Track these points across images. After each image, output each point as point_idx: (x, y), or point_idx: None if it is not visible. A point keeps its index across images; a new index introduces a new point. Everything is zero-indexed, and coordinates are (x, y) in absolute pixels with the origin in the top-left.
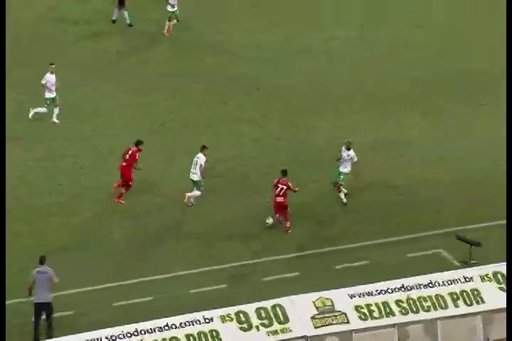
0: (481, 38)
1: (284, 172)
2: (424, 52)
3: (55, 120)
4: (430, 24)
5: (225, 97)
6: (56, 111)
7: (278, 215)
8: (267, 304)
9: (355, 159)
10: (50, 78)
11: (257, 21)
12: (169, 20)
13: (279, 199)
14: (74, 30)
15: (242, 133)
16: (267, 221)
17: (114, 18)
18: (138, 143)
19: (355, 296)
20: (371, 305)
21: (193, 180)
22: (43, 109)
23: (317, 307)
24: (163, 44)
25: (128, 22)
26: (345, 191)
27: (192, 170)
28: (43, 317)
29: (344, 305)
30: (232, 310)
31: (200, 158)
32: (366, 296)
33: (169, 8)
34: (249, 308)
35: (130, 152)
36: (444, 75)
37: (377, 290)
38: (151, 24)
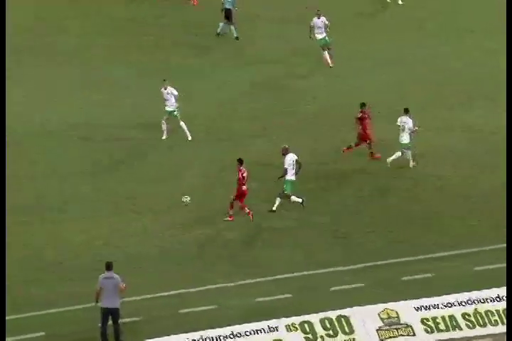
0: None
1: (241, 161)
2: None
3: (189, 136)
4: (483, 28)
5: (291, 107)
6: (184, 126)
7: (242, 204)
8: (332, 314)
9: (290, 162)
10: (163, 93)
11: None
12: (323, 49)
13: (245, 187)
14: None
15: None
16: (185, 199)
17: (218, 31)
18: (362, 105)
19: (421, 308)
20: (437, 317)
21: (401, 143)
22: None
23: (382, 319)
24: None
25: (235, 35)
26: (279, 201)
27: (400, 134)
28: (110, 322)
29: (410, 318)
30: (297, 319)
31: (408, 122)
32: (432, 309)
33: (318, 36)
34: (315, 318)
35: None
36: (498, 79)
37: (443, 303)
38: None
